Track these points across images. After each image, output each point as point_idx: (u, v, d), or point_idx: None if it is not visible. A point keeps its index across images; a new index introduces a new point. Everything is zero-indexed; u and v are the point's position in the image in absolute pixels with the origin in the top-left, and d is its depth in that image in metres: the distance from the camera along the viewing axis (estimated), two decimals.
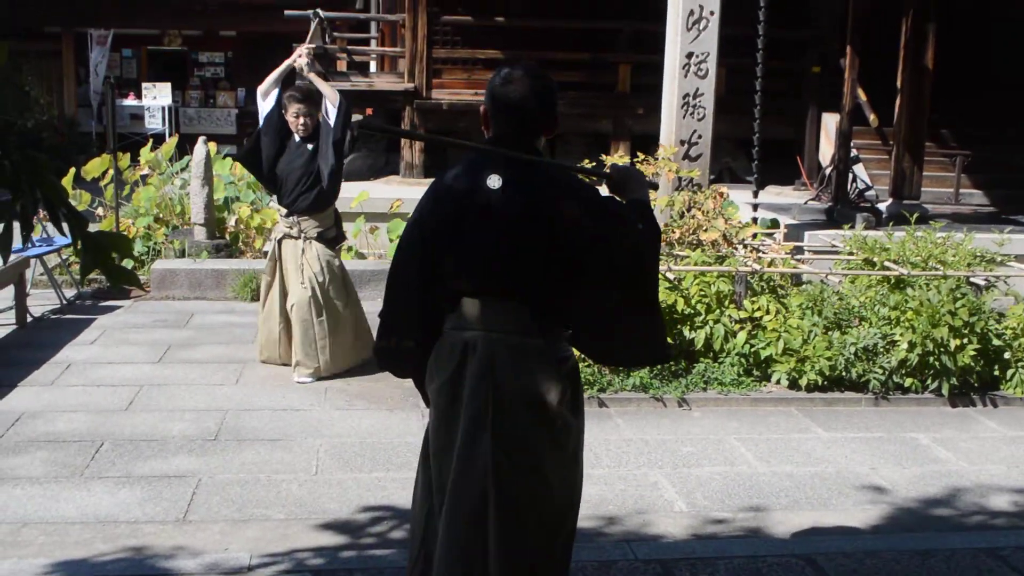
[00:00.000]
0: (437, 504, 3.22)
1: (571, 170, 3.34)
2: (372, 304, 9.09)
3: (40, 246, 8.63)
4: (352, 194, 10.45)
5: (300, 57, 6.83)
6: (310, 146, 6.68)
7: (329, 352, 6.72)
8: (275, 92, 6.74)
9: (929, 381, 6.67)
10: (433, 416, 3.25)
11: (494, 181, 3.09)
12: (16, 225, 2.22)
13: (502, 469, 3.07)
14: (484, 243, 3.11)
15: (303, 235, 6.72)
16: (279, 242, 6.83)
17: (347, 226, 10.32)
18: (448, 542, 3.11)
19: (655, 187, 3.47)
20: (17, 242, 2.50)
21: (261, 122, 6.80)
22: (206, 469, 5.23)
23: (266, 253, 6.85)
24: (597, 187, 3.30)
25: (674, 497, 5.05)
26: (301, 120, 6.64)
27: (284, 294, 6.83)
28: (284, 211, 6.78)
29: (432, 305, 3.23)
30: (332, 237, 6.88)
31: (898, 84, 11.16)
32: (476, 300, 3.14)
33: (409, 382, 3.52)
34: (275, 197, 7.11)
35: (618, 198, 3.28)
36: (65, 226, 2.36)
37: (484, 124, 3.25)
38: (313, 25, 12.97)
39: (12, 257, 7.51)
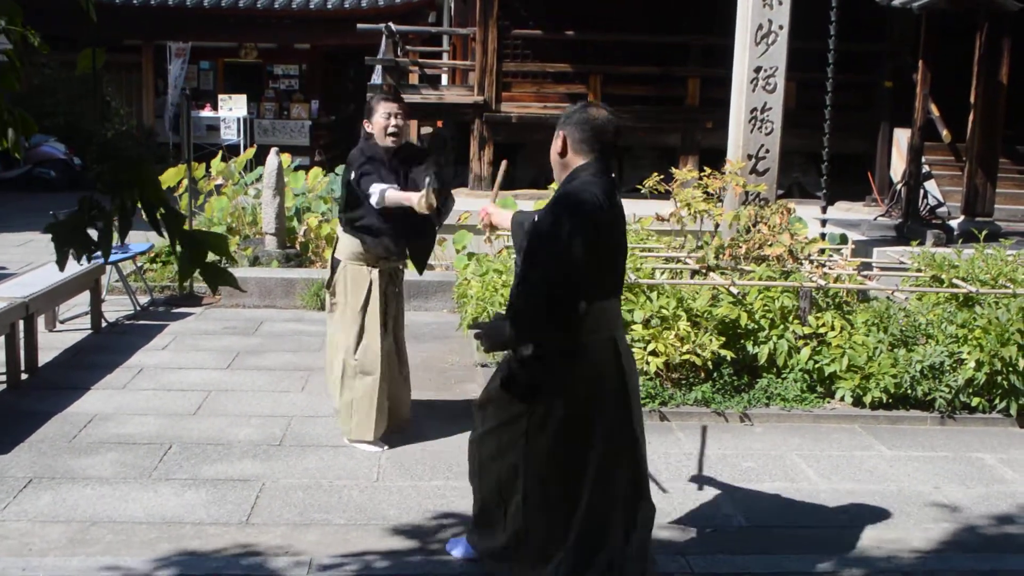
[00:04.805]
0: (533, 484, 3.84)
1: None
2: (434, 315, 9.19)
3: (115, 252, 8.83)
4: None
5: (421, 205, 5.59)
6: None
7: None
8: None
9: (997, 401, 6.56)
10: (571, 405, 3.72)
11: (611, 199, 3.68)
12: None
13: (635, 443, 3.83)
14: (612, 252, 3.74)
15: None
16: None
17: None
18: (602, 503, 3.76)
19: None
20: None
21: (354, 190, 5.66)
22: (270, 473, 5.34)
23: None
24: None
25: (733, 511, 5.04)
26: (392, 121, 5.63)
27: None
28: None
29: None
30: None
31: (972, 99, 10.99)
32: (606, 303, 3.72)
33: (471, 393, 3.82)
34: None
35: None
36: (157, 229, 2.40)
37: (562, 151, 3.73)
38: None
39: (87, 264, 7.70)
